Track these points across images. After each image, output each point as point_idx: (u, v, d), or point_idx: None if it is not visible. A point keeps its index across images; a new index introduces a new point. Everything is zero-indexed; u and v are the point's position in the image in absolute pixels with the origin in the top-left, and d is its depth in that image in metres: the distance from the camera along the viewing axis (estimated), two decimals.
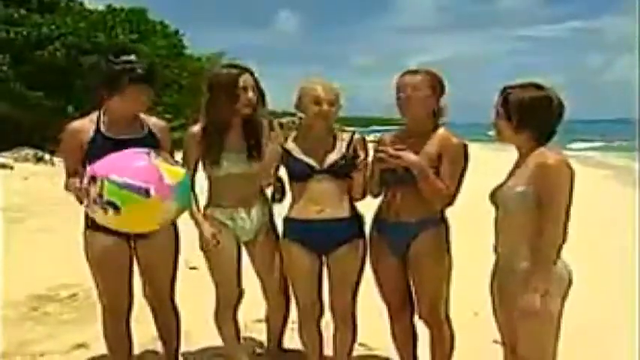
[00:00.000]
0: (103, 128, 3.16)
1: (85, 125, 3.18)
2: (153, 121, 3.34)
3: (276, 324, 3.70)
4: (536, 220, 2.51)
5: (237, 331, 3.56)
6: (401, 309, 3.28)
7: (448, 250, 3.15)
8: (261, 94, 3.34)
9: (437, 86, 3.07)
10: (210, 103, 3.30)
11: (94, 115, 3.21)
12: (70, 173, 3.17)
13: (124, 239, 3.20)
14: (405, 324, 3.32)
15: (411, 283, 3.20)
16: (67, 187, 3.17)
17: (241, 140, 3.33)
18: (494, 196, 2.71)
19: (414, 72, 3.07)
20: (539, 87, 2.59)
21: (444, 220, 3.15)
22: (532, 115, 2.55)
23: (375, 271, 3.26)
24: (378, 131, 3.85)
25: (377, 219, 3.23)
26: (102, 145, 3.07)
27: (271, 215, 3.49)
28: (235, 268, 3.42)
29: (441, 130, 3.10)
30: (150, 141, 3.19)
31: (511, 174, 2.66)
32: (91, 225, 3.14)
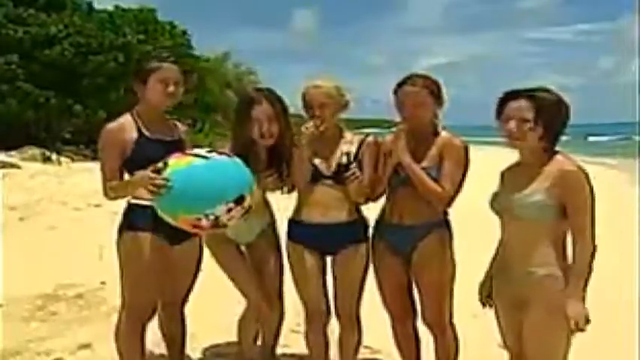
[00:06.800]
0: (143, 129, 3.12)
1: (125, 126, 3.11)
2: (177, 124, 3.35)
3: (271, 330, 3.57)
4: (555, 227, 2.52)
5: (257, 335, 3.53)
6: (403, 313, 3.26)
7: (452, 254, 3.14)
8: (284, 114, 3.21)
9: (436, 92, 3.05)
10: (233, 127, 3.28)
11: (127, 117, 3.16)
12: (109, 176, 3.07)
13: (167, 242, 3.13)
14: (407, 328, 3.31)
15: (415, 287, 3.19)
16: (106, 192, 3.10)
17: (264, 165, 3.23)
18: (498, 203, 2.67)
19: (413, 82, 3.02)
20: (549, 91, 2.57)
21: (447, 224, 3.14)
22: (551, 119, 2.52)
23: (377, 274, 3.24)
24: (371, 133, 3.80)
25: (380, 221, 3.22)
26: (148, 146, 3.06)
27: (273, 221, 3.46)
28: (248, 270, 3.34)
29: (443, 133, 3.09)
30: (182, 144, 3.20)
31: (518, 181, 2.60)
32: (131, 226, 3.09)
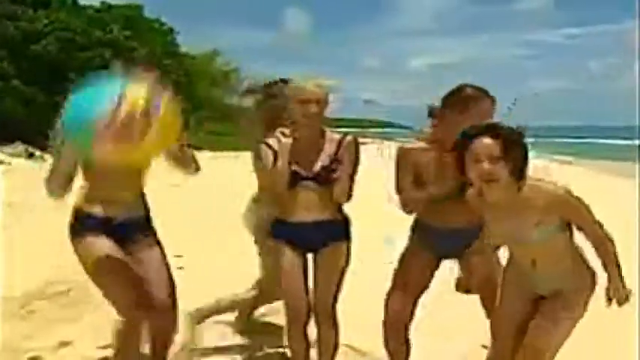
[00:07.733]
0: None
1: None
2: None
3: None
4: (567, 238, 2.63)
5: None
6: (405, 311, 3.21)
7: None
8: None
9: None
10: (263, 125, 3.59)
11: None
12: None
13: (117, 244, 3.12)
14: (402, 330, 3.24)
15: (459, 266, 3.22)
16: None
17: None
18: (502, 240, 2.74)
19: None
20: (506, 126, 2.56)
21: None
22: (517, 153, 2.50)
23: (405, 266, 3.25)
24: (350, 133, 3.72)
25: (421, 224, 3.24)
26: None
27: None
28: None
29: None
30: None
31: (507, 218, 2.59)
32: (82, 231, 3.16)
